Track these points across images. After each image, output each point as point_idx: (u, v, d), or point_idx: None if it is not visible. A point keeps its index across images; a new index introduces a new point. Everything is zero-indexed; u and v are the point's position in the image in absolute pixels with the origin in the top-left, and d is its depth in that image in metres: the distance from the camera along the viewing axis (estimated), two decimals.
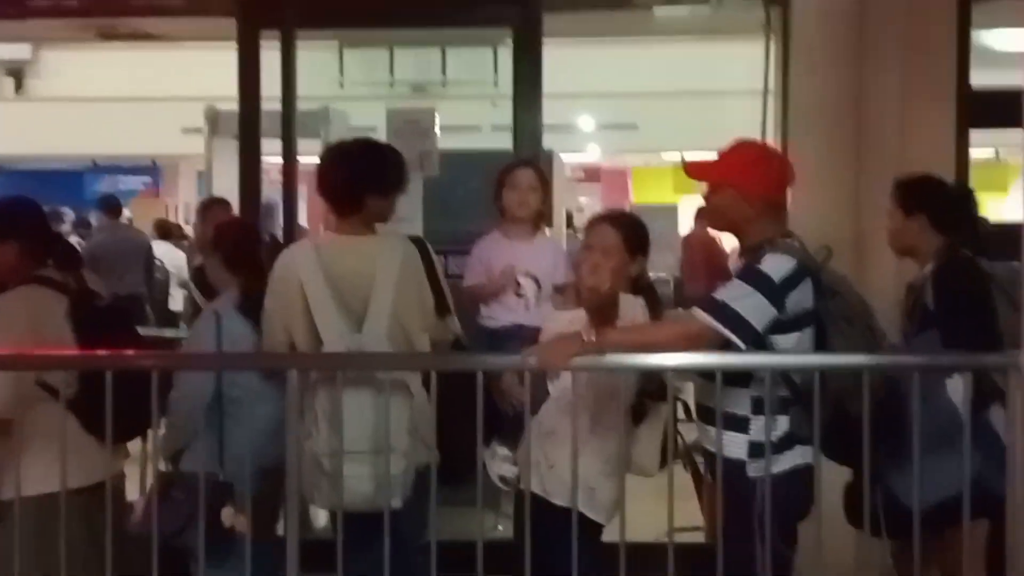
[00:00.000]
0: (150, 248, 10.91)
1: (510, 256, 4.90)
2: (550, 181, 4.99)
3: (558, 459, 3.97)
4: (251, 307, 4.26)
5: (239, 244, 4.57)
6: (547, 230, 5.42)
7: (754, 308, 3.56)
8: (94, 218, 11.60)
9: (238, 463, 3.91)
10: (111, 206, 11.10)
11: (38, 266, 4.19)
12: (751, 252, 3.74)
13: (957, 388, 3.75)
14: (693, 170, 3.90)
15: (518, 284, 4.80)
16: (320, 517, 5.74)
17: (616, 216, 4.29)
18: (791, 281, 3.60)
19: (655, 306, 4.13)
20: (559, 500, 3.97)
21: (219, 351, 4.19)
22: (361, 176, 4.14)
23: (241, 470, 3.88)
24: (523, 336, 4.48)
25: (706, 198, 3.88)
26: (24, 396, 3.90)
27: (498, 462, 4.25)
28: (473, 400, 3.62)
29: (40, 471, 3.80)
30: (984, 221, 5.25)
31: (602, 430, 3.97)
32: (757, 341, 3.58)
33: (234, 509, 4.02)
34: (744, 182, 3.74)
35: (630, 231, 4.13)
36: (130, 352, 4.00)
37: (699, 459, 4.79)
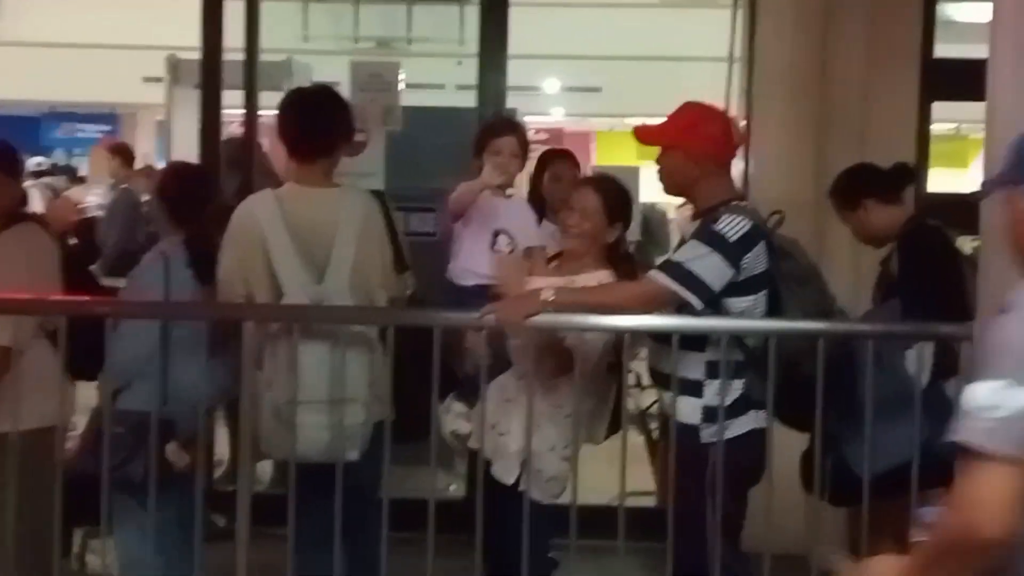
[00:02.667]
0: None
1: (486, 210, 4.84)
2: (528, 146, 4.92)
3: (510, 429, 3.97)
4: (195, 261, 4.13)
5: (187, 195, 4.30)
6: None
7: (710, 268, 3.57)
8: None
9: (182, 401, 3.91)
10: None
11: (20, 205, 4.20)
12: (706, 214, 3.75)
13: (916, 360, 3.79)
14: (642, 135, 3.92)
15: (495, 237, 4.73)
16: (265, 472, 5.70)
17: (599, 180, 4.33)
18: (747, 242, 3.61)
19: (632, 276, 4.07)
20: (500, 473, 3.97)
21: (175, 301, 4.12)
22: (333, 122, 4.08)
23: (185, 407, 3.89)
24: (490, 295, 4.45)
25: (657, 162, 3.88)
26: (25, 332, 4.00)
27: (452, 417, 4.23)
28: (431, 356, 3.63)
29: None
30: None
31: (564, 410, 3.97)
32: (713, 301, 3.59)
33: (177, 445, 3.99)
34: (688, 142, 3.76)
35: (611, 197, 4.13)
36: (86, 299, 3.99)
37: (652, 425, 4.82)
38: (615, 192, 4.18)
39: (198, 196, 4.33)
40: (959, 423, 2.03)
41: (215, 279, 4.03)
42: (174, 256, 4.14)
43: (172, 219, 4.25)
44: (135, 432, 3.88)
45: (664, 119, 3.89)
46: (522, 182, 5.63)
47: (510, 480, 3.97)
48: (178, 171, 4.83)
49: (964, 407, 2.03)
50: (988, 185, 2.48)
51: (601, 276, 4.02)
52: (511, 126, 4.99)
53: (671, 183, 3.87)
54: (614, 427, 4.14)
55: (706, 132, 3.79)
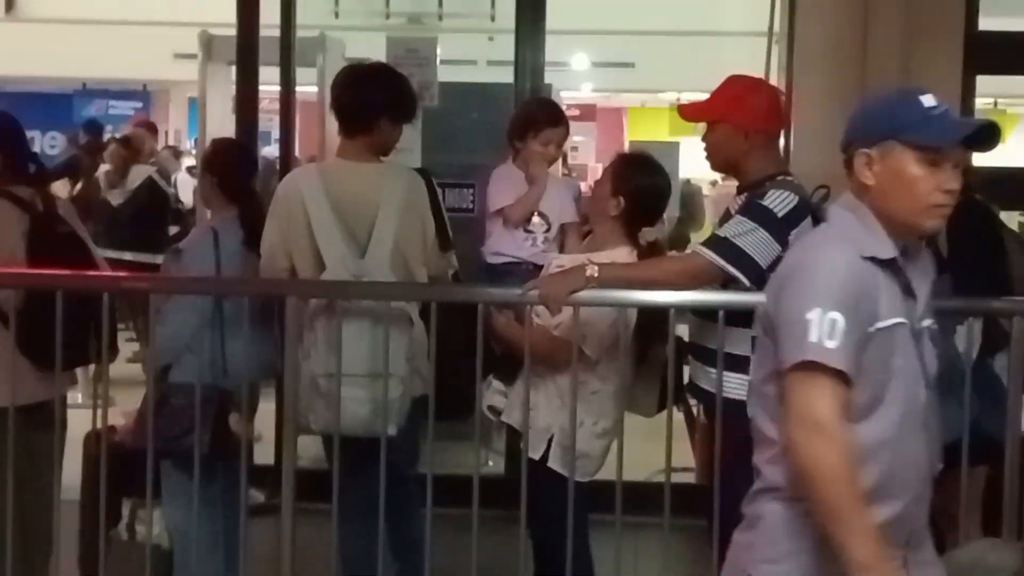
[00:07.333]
0: None
1: (523, 191, 4.82)
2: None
3: (538, 403, 3.94)
4: (250, 235, 4.18)
5: (234, 169, 4.42)
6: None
7: (757, 243, 3.53)
8: None
9: (237, 373, 3.97)
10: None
11: (11, 182, 4.11)
12: (752, 189, 3.71)
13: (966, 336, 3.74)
14: (686, 111, 3.89)
15: (530, 218, 4.71)
16: (304, 447, 5.71)
17: (619, 155, 4.33)
18: (794, 217, 3.57)
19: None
20: (528, 447, 3.93)
21: (218, 277, 4.15)
22: (378, 97, 4.11)
23: (240, 379, 3.94)
24: (523, 273, 4.44)
25: (704, 139, 3.84)
26: None
27: (491, 393, 4.22)
28: (471, 335, 3.61)
29: None
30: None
31: (589, 386, 3.93)
32: (761, 278, 3.55)
33: (239, 416, 4.02)
34: (735, 115, 3.72)
35: (617, 168, 4.08)
36: (126, 274, 4.00)
37: (692, 400, 4.78)
38: (621, 166, 4.12)
39: (245, 170, 4.47)
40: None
41: None
42: (224, 230, 4.20)
43: (223, 194, 4.35)
44: (198, 404, 3.89)
45: (703, 95, 3.86)
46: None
47: (536, 455, 3.92)
48: (224, 147, 4.88)
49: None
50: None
51: (620, 254, 3.97)
52: (559, 117, 4.92)
53: (719, 158, 3.83)
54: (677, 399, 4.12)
55: (753, 103, 3.76)
